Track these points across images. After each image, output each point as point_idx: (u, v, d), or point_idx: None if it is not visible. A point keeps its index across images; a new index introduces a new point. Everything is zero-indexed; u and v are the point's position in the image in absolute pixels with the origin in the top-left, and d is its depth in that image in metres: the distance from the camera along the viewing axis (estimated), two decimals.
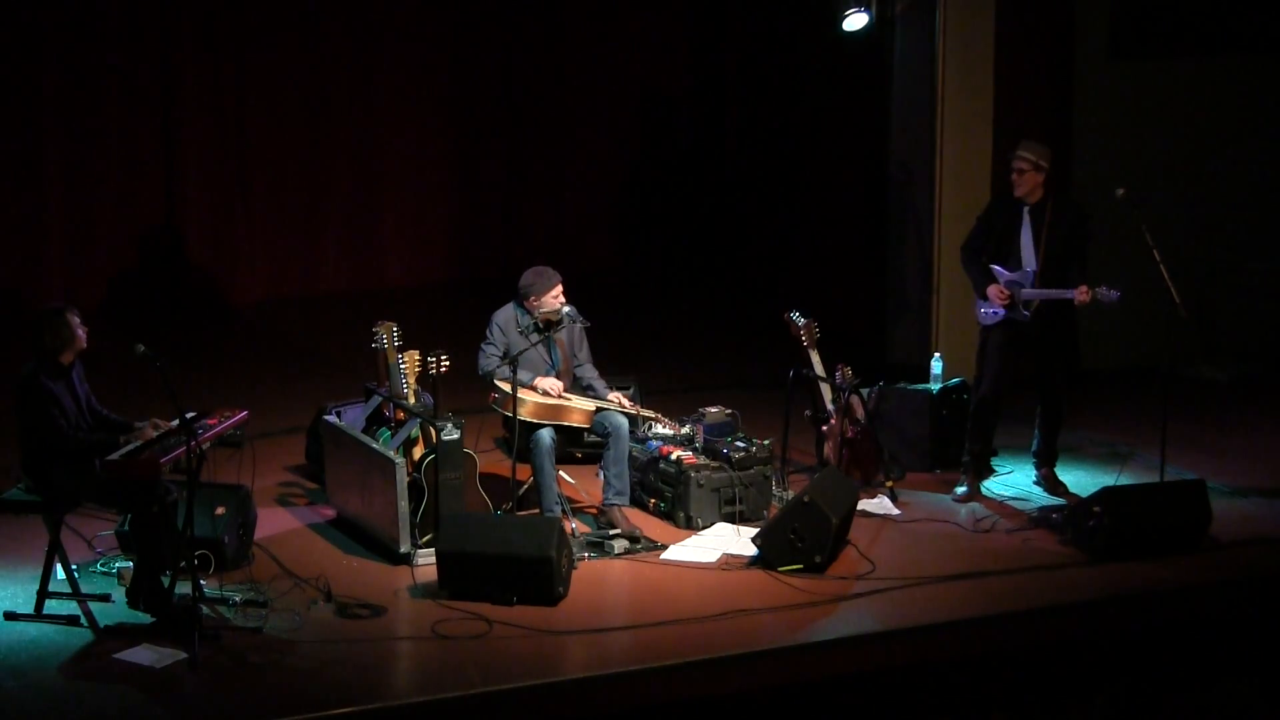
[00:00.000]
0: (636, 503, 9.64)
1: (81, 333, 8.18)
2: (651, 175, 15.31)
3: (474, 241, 14.87)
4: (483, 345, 9.37)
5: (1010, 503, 9.82)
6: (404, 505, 8.76)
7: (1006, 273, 9.69)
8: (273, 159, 14.10)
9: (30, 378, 8.06)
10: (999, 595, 8.58)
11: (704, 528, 9.35)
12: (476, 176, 14.81)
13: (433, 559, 8.56)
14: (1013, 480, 10.13)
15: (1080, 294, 9.48)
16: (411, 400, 9.32)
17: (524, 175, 14.97)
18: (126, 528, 8.54)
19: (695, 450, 9.66)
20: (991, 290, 9.70)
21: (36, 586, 8.16)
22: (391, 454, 8.91)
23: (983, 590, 8.63)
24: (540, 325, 9.35)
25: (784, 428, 9.84)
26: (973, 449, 9.92)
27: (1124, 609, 8.61)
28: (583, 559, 8.86)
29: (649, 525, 9.41)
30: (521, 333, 9.35)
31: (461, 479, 8.95)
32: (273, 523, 9.36)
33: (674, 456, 9.57)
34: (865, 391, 10.05)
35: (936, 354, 10.76)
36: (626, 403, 9.56)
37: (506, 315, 9.44)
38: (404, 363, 9.32)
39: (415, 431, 9.24)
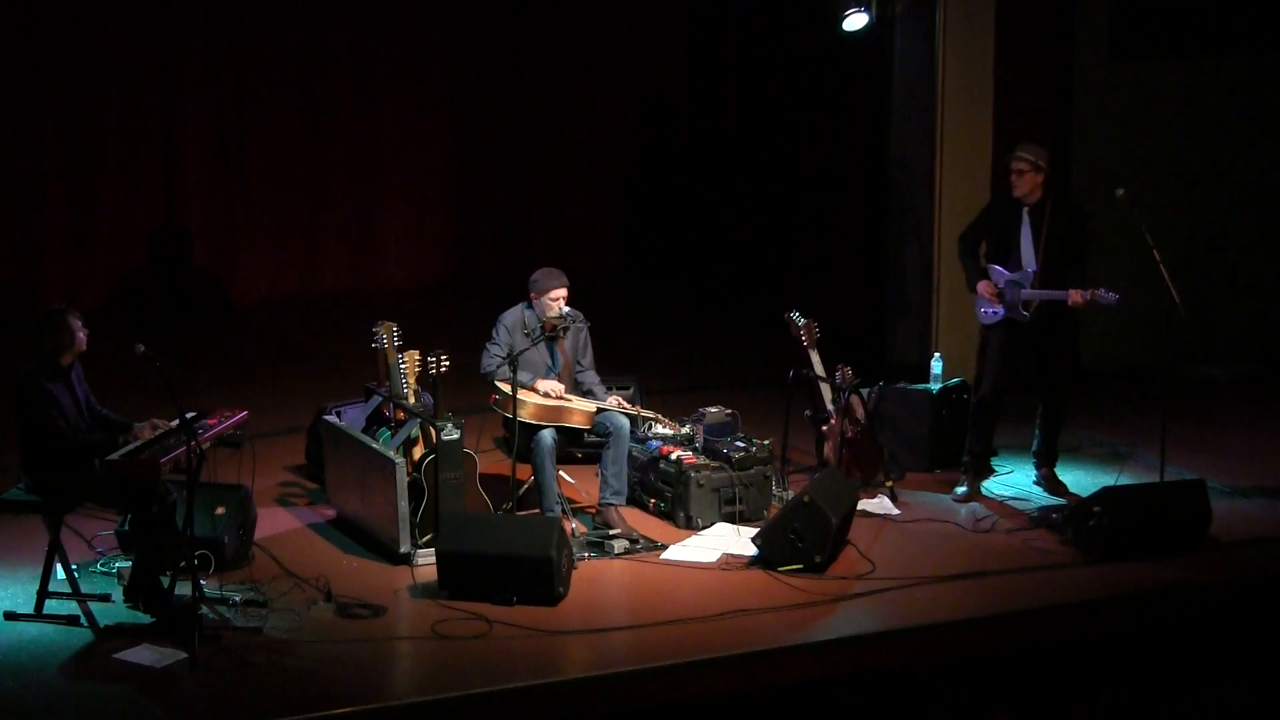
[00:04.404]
0: (636, 502, 9.64)
1: (81, 335, 8.17)
2: (651, 174, 15.31)
3: (474, 241, 14.87)
4: (487, 345, 9.38)
5: (1010, 503, 9.82)
6: (404, 505, 8.76)
7: (1006, 273, 9.70)
8: (273, 159, 14.10)
9: (29, 379, 8.05)
10: (999, 595, 8.58)
11: (704, 528, 9.35)
12: (476, 176, 14.81)
13: (433, 559, 8.56)
14: (1013, 480, 10.13)
15: (1074, 296, 9.47)
16: (411, 400, 9.32)
17: (524, 175, 14.97)
18: (126, 528, 8.54)
19: (695, 450, 9.66)
20: (982, 286, 9.71)
21: (36, 586, 8.16)
22: (391, 454, 8.91)
23: (983, 590, 8.63)
24: (543, 329, 9.35)
25: (784, 428, 9.84)
26: (973, 449, 9.92)
27: (1124, 609, 8.61)
28: (583, 559, 8.86)
29: (649, 525, 9.41)
30: (526, 334, 9.35)
31: (461, 479, 8.95)
32: (273, 523, 9.36)
33: (674, 456, 9.57)
34: (865, 391, 10.05)
35: (936, 354, 10.76)
36: (626, 406, 9.56)
37: (514, 317, 9.44)
38: (404, 363, 9.32)
39: (415, 431, 9.24)
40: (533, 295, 9.43)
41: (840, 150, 13.30)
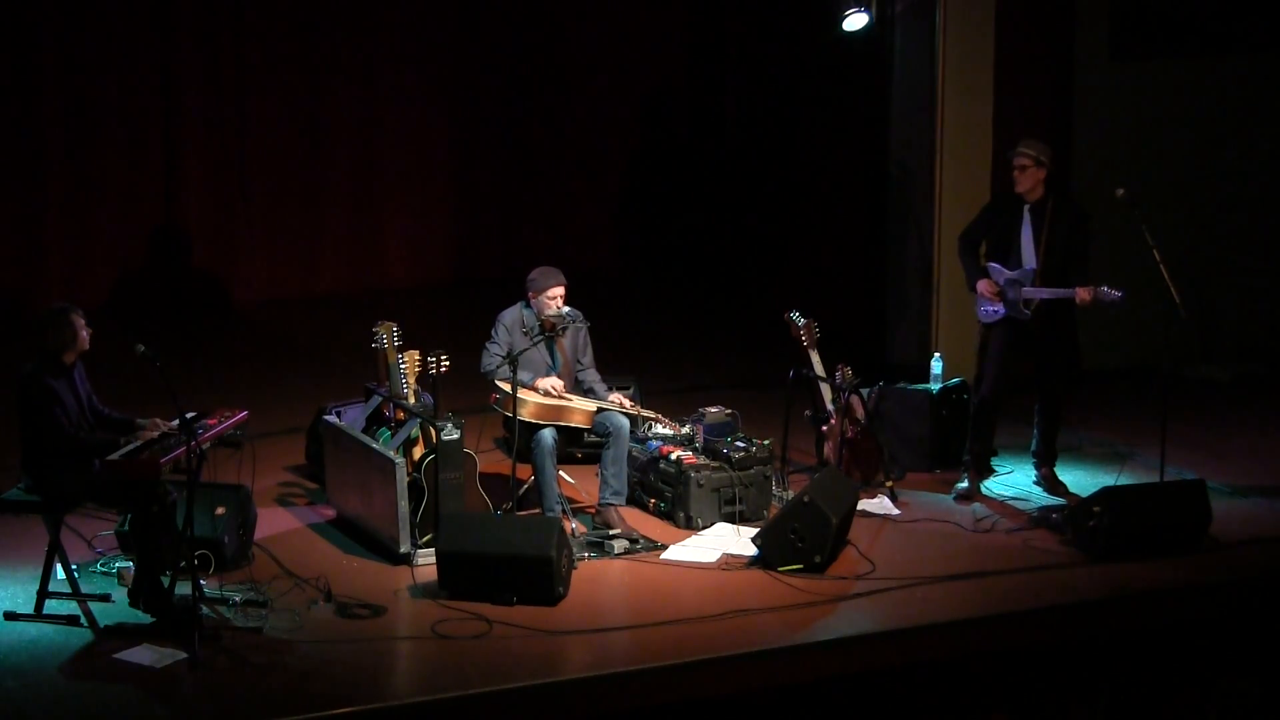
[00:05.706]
0: (636, 503, 9.64)
1: (85, 333, 8.18)
2: (651, 175, 15.31)
3: (474, 241, 14.88)
4: (487, 344, 9.39)
5: (1010, 503, 9.82)
6: (404, 505, 8.76)
7: (1007, 271, 9.69)
8: (273, 159, 14.11)
9: (32, 376, 8.06)
10: (999, 595, 8.57)
11: (704, 528, 9.34)
12: (476, 176, 14.82)
13: (433, 559, 8.56)
14: (1013, 480, 10.13)
15: (1082, 294, 9.48)
16: (411, 400, 9.32)
17: (524, 175, 14.97)
18: (126, 528, 8.54)
19: (695, 450, 9.65)
20: (982, 285, 9.72)
21: (36, 586, 8.16)
22: (391, 454, 8.91)
23: (983, 590, 8.63)
24: (542, 327, 9.35)
25: (784, 428, 9.84)
26: (973, 449, 9.92)
27: (1124, 609, 8.61)
28: (583, 559, 8.86)
29: (649, 525, 9.41)
30: (526, 333, 9.36)
31: (461, 479, 8.94)
32: (273, 523, 9.36)
33: (674, 456, 9.57)
34: (865, 391, 10.05)
35: (936, 354, 10.76)
36: (627, 404, 9.56)
37: (513, 316, 9.45)
38: (404, 363, 9.32)
39: (415, 431, 9.23)
40: (530, 294, 9.44)
41: (840, 150, 13.30)
